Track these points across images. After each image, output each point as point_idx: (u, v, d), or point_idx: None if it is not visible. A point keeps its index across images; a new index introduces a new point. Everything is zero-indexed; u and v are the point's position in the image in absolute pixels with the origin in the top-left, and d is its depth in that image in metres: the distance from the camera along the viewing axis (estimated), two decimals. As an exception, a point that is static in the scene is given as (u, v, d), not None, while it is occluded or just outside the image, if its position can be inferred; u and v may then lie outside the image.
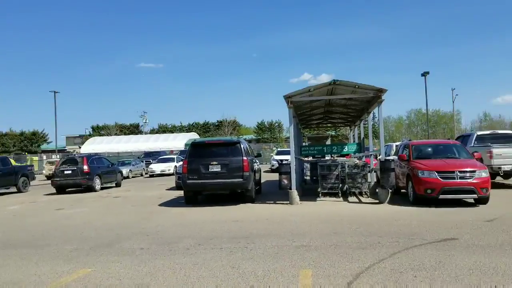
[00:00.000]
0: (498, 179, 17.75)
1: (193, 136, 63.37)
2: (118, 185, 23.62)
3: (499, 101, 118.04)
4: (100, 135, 76.36)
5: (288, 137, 22.85)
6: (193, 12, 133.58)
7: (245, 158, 12.95)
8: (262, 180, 19.36)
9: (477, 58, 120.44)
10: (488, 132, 18.77)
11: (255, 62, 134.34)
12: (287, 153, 24.96)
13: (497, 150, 15.55)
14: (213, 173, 12.87)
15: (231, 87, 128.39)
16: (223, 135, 68.22)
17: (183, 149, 47.13)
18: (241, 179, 12.78)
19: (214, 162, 12.91)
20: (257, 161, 16.33)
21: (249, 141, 76.24)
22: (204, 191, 13.74)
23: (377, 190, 12.88)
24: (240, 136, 74.41)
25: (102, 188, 21.82)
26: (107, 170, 22.90)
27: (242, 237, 8.10)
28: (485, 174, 11.40)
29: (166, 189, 20.19)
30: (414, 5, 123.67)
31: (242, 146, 13.22)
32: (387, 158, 14.44)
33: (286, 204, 12.82)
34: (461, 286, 4.82)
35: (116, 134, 73.68)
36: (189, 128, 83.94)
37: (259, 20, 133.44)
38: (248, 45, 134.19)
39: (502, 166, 15.40)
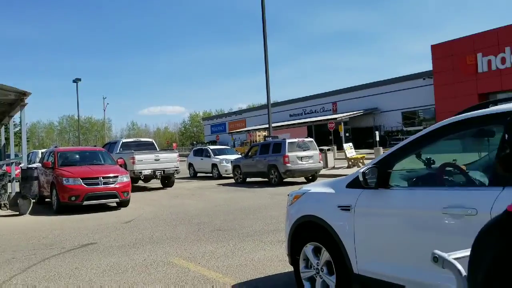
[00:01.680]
0: (140, 183, 19.63)
1: None
2: None
3: (146, 112, 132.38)
4: None
5: None
6: None
7: None
8: None
9: (128, 72, 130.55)
10: (132, 139, 20.54)
11: None
12: None
13: (139, 156, 17.15)
14: None
15: None
16: None
17: None
18: None
19: None
20: None
21: None
22: None
23: (18, 201, 11.86)
24: None
25: None
26: None
27: None
28: (126, 179, 12.35)
29: None
30: (67, 9, 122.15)
31: None
32: (30, 166, 13.55)
33: None
34: (93, 289, 5.03)
35: None
36: None
37: None
38: None
39: (143, 170, 17.10)
